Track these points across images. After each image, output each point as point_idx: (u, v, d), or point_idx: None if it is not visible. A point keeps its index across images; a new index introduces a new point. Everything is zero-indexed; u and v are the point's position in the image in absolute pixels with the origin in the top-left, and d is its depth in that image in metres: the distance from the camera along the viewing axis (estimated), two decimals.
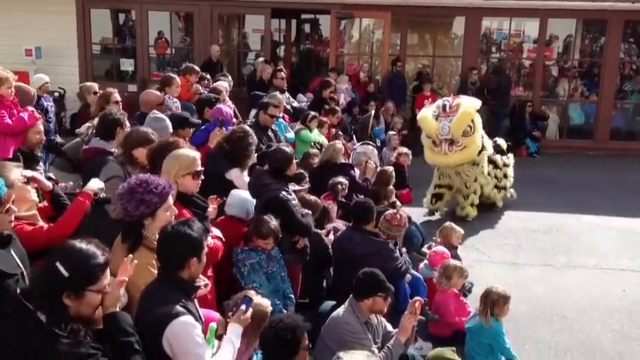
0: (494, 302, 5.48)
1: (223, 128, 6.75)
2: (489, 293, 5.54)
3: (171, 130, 6.22)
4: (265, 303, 4.18)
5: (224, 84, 9.79)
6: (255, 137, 6.23)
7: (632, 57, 16.24)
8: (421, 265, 6.96)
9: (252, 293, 4.13)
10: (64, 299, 2.74)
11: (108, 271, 2.88)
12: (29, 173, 4.28)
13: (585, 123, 15.87)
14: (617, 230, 9.46)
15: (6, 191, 3.35)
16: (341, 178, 7.50)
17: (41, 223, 4.15)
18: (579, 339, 6.30)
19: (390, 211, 6.66)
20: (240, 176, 5.96)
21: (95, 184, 4.40)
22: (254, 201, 5.53)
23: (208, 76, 10.68)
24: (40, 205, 4.38)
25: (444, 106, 9.13)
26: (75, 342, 2.66)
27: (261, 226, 5.13)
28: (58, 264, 2.73)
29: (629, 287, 7.51)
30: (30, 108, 6.08)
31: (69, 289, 2.74)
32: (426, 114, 9.33)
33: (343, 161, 8.32)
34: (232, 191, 5.70)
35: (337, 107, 11.05)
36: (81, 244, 2.87)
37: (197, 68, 10.10)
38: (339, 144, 8.51)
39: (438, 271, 6.31)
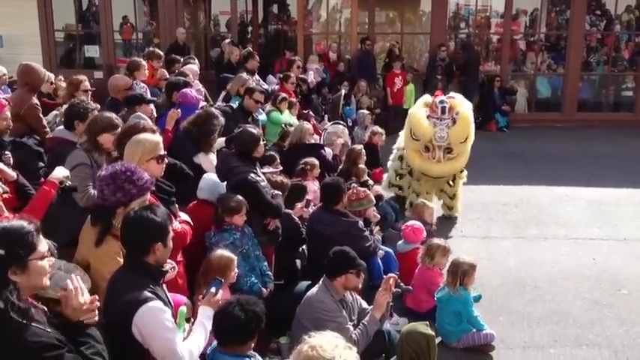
0: (464, 272, 5.63)
1: (179, 111, 6.68)
2: (460, 264, 5.67)
3: None
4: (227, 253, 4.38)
5: (194, 67, 9.66)
6: (220, 120, 6.16)
7: (598, 28, 16.39)
8: (399, 242, 7.00)
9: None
10: (11, 276, 2.65)
11: (42, 237, 2.79)
12: None
13: (553, 96, 16.07)
14: (587, 200, 9.62)
15: None
16: (309, 159, 7.46)
17: (6, 214, 4.07)
18: (551, 308, 6.41)
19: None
20: (206, 159, 5.90)
21: (60, 173, 4.32)
22: (224, 184, 5.49)
23: (182, 60, 10.54)
24: (5, 195, 4.28)
25: (443, 108, 8.05)
26: (33, 331, 2.58)
27: (229, 203, 5.12)
28: None
29: (599, 256, 7.65)
30: None
31: (12, 265, 2.66)
32: (419, 115, 8.17)
33: (313, 141, 8.27)
34: (204, 175, 5.65)
35: (291, 74, 10.96)
36: (3, 222, 2.81)
37: (160, 53, 9.95)
38: (307, 124, 8.46)
39: (422, 250, 6.35)
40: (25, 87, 6.86)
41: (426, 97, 8.61)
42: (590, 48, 16.21)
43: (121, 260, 3.57)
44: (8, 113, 5.54)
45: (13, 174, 4.36)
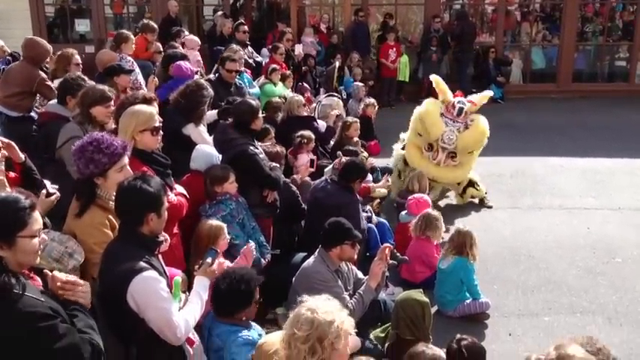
0: (471, 244, 5.72)
1: (155, 78, 6.76)
2: (471, 234, 5.75)
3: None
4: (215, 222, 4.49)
5: (194, 37, 9.67)
6: (209, 91, 6.10)
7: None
8: (402, 213, 7.02)
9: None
10: None
11: (37, 215, 2.73)
12: (6, 140, 4.16)
13: (548, 67, 15.99)
14: (581, 170, 9.64)
15: None
16: (305, 132, 7.43)
17: (8, 189, 4.04)
18: (546, 277, 6.46)
19: None
20: (195, 130, 5.86)
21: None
22: (219, 155, 5.46)
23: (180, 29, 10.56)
24: (11, 174, 4.25)
25: (460, 109, 7.57)
26: (26, 301, 2.55)
27: (215, 172, 5.14)
28: None
29: (593, 225, 7.69)
30: None
31: None
32: (432, 109, 7.71)
33: (304, 114, 8.22)
34: (197, 146, 5.62)
35: (279, 45, 10.90)
36: (0, 194, 2.77)
37: (155, 25, 9.84)
38: (296, 97, 8.39)
39: (417, 220, 6.35)
40: (29, 62, 6.80)
41: (449, 96, 7.89)
42: (585, 18, 16.09)
43: (107, 231, 3.60)
44: None
45: (21, 156, 4.31)
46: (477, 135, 7.68)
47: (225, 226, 4.63)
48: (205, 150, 5.45)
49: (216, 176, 5.13)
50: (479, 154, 8.15)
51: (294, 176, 6.62)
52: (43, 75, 6.76)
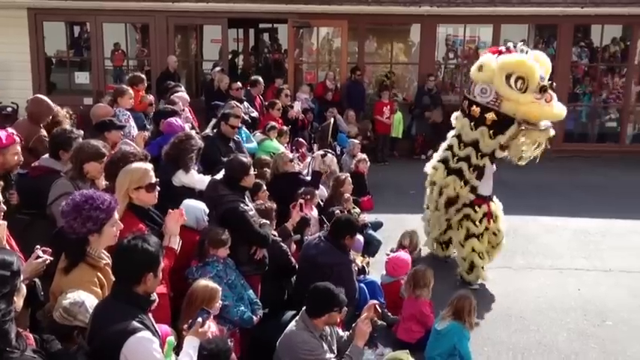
0: (470, 311, 5.63)
1: (146, 133, 6.88)
2: (471, 301, 5.66)
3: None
4: (212, 284, 4.45)
5: (184, 95, 9.74)
6: (198, 141, 6.21)
7: (584, 60, 16.61)
8: (382, 273, 6.99)
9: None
10: None
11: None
12: None
13: None
14: (573, 230, 9.68)
15: None
16: (307, 189, 7.44)
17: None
18: (536, 339, 6.41)
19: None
20: (186, 176, 5.91)
21: None
22: (205, 209, 5.46)
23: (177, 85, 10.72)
24: None
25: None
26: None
27: (217, 235, 5.11)
28: None
29: (584, 286, 7.68)
30: (10, 130, 5.78)
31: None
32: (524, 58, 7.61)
33: (292, 169, 8.22)
34: (184, 201, 5.62)
35: (276, 101, 11.09)
36: None
37: (142, 76, 10.08)
38: (283, 153, 8.38)
39: (407, 282, 6.31)
40: (29, 119, 6.81)
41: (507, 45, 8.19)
42: (576, 79, 16.38)
43: (97, 289, 3.59)
44: (19, 148, 5.43)
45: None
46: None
47: (220, 289, 4.56)
48: (192, 204, 5.43)
49: (217, 240, 5.09)
50: None
51: (286, 224, 6.57)
52: (44, 132, 6.72)
